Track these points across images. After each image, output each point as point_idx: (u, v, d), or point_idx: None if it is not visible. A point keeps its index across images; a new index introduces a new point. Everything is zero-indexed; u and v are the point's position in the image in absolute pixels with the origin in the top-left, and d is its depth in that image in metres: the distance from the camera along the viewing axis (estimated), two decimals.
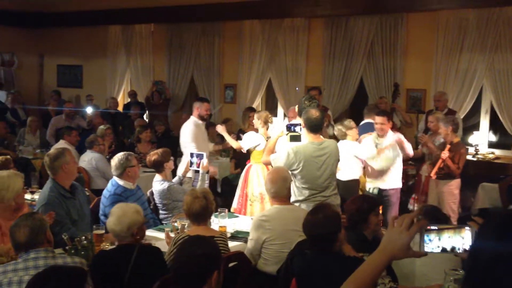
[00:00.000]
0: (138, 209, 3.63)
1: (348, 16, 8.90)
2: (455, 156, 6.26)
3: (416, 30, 8.44)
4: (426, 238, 1.73)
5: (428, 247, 1.74)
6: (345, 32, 8.95)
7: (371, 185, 6.39)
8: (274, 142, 5.34)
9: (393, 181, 6.33)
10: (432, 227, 1.74)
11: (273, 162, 5.01)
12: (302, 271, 3.25)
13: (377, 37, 8.67)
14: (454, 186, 6.37)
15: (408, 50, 8.48)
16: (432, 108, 7.62)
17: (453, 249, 1.75)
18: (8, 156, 5.79)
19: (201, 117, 6.70)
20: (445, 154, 6.19)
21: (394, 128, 6.85)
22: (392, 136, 6.30)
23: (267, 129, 6.53)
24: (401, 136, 6.44)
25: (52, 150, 4.61)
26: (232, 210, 6.25)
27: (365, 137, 6.56)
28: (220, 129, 6.87)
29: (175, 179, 5.74)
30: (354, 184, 6.35)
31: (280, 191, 4.24)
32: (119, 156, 5.02)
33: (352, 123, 6.50)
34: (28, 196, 5.34)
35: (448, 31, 8.06)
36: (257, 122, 6.70)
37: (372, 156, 6.26)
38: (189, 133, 6.55)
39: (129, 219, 3.48)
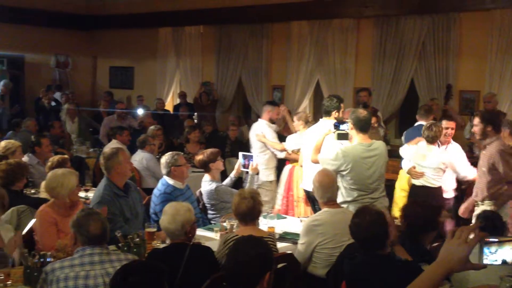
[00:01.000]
0: (190, 208, 3.69)
1: (398, 16, 8.76)
2: None
3: (470, 30, 8.23)
4: (486, 250, 1.69)
5: (488, 259, 1.70)
6: (396, 32, 8.81)
7: None
8: (321, 140, 5.30)
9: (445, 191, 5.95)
10: (492, 239, 1.70)
11: (321, 162, 4.99)
12: (352, 275, 3.23)
13: (429, 37, 8.50)
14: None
15: (461, 50, 8.27)
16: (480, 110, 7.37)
17: None
18: (66, 156, 5.99)
19: (271, 121, 6.95)
20: None
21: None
22: (443, 157, 5.79)
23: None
24: (458, 158, 5.98)
25: (107, 150, 4.73)
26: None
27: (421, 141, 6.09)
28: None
29: (226, 181, 5.76)
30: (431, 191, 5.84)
31: (333, 196, 4.21)
32: (166, 155, 5.11)
33: None
34: (82, 194, 5.49)
35: (502, 31, 7.82)
36: (297, 123, 6.76)
37: (406, 169, 5.95)
38: (268, 134, 6.82)
39: (182, 217, 3.54)
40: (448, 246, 1.73)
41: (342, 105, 5.64)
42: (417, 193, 5.71)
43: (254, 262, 2.39)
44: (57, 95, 11.85)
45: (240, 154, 5.91)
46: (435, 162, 5.69)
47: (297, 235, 4.46)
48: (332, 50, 9.51)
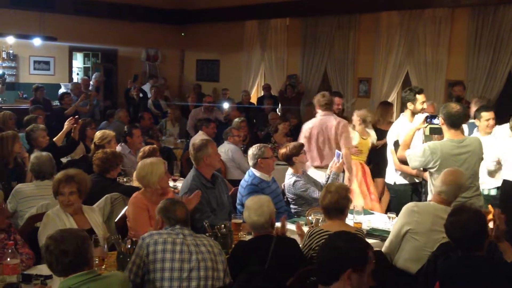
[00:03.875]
0: (269, 199, 3.75)
1: (496, 4, 8.27)
2: None
3: None
4: None
5: None
6: (493, 22, 8.36)
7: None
8: (411, 135, 5.09)
9: None
10: None
11: (408, 159, 4.80)
12: (447, 275, 3.08)
13: None
14: None
15: None
16: None
17: None
18: (155, 146, 6.18)
19: None
20: None
21: None
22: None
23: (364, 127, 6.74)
24: None
25: (197, 141, 4.80)
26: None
27: None
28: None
29: (322, 180, 5.57)
30: None
31: (446, 194, 3.97)
32: (254, 147, 5.11)
33: None
34: (170, 184, 5.62)
35: None
36: (355, 119, 6.65)
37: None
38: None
39: (269, 209, 3.59)
40: None
41: (418, 96, 5.36)
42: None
43: (333, 254, 2.34)
44: (147, 86, 12.26)
45: (336, 152, 5.67)
46: None
47: (386, 231, 4.33)
48: (423, 41, 9.18)
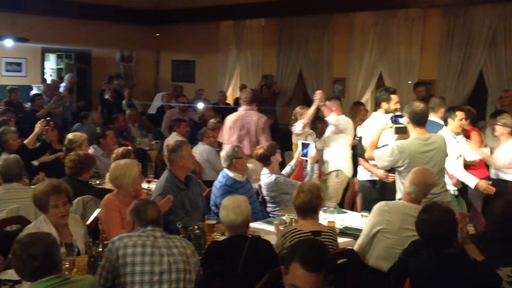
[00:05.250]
0: (246, 199, 3.73)
1: (467, 5, 8.42)
2: None
3: None
4: None
5: None
6: (464, 22, 8.48)
7: None
8: (378, 136, 5.15)
9: None
10: None
11: (377, 158, 4.86)
12: (417, 272, 3.11)
13: (500, 26, 8.12)
14: None
15: None
16: None
17: None
18: (129, 147, 6.12)
19: None
20: None
21: None
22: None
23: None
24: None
25: (171, 142, 4.78)
26: None
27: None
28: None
29: (286, 170, 5.75)
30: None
31: (415, 193, 4.01)
32: (227, 148, 5.13)
33: None
34: (144, 185, 5.59)
35: None
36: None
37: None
38: None
39: (246, 209, 3.59)
40: None
41: (392, 96, 5.46)
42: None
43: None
44: (118, 86, 12.13)
45: (299, 142, 5.87)
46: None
47: (359, 230, 4.36)
48: (396, 41, 9.28)
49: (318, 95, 6.39)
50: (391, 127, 4.96)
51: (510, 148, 5.68)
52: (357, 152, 5.67)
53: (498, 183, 5.65)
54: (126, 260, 3.01)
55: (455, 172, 5.38)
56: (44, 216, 3.68)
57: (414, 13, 9.05)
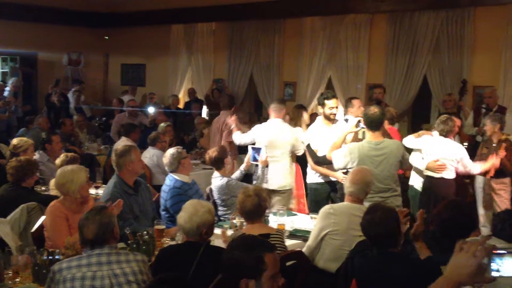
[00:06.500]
0: (210, 208, 3.54)
1: (412, 11, 8.67)
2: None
3: (484, 24, 8.09)
4: (499, 261, 1.68)
5: (503, 270, 1.68)
6: (409, 28, 8.71)
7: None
8: (342, 138, 5.25)
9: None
10: (500, 251, 1.68)
11: (333, 159, 4.97)
12: (363, 272, 3.18)
13: (443, 32, 8.38)
14: (508, 183, 6.24)
15: (476, 45, 8.14)
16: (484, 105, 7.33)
17: None
18: (76, 154, 5.98)
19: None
20: (502, 153, 5.91)
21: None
22: (460, 150, 5.75)
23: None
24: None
25: (120, 147, 4.70)
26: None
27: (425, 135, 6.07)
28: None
29: (236, 174, 5.78)
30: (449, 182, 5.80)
31: (356, 193, 4.09)
32: (170, 151, 5.08)
33: None
34: (92, 191, 5.49)
35: None
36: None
37: (423, 164, 5.83)
38: None
39: (199, 219, 3.38)
40: (457, 259, 1.72)
41: (327, 101, 5.54)
42: (436, 185, 5.63)
43: (229, 263, 2.35)
44: (70, 93, 11.86)
45: (250, 147, 5.91)
46: (455, 153, 5.62)
47: (308, 232, 4.41)
48: (344, 46, 9.43)
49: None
50: (360, 131, 5.08)
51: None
52: (313, 158, 5.69)
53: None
54: None
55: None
56: None
57: (361, 19, 9.23)
